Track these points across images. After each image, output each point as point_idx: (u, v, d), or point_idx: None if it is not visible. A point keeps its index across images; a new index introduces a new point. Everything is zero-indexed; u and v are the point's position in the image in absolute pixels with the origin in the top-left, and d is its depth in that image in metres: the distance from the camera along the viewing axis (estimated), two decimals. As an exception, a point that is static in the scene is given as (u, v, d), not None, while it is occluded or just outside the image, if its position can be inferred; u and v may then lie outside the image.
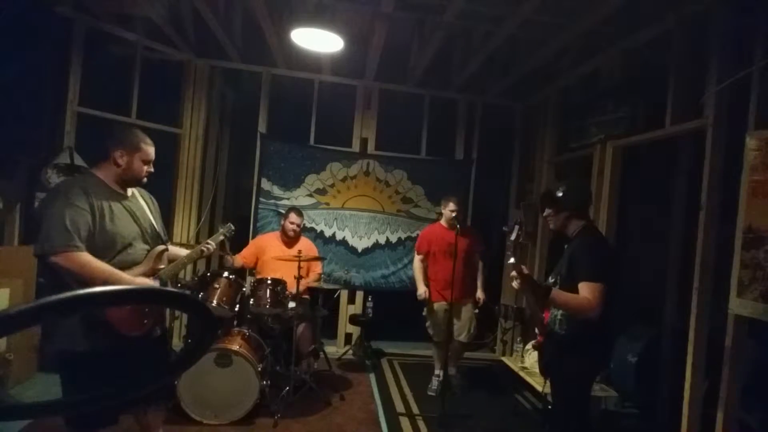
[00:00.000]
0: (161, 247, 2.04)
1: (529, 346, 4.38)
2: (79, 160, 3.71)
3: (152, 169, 2.04)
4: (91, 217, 1.81)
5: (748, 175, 2.37)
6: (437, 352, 4.00)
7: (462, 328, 3.88)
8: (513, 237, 2.16)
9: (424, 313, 4.03)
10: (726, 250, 2.50)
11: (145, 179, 2.03)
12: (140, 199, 2.08)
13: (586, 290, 2.02)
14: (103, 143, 1.97)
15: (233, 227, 2.55)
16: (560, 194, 2.28)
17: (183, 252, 2.28)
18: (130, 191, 2.03)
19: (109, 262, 1.83)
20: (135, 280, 1.90)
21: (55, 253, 1.71)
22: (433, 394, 3.86)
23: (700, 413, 2.67)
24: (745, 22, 2.56)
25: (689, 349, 2.69)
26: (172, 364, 0.63)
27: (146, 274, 1.96)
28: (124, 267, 1.88)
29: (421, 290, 3.93)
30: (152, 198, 2.20)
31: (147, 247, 2.00)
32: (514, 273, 2.01)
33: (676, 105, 2.99)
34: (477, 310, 4.01)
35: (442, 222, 4.02)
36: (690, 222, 3.21)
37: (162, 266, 2.04)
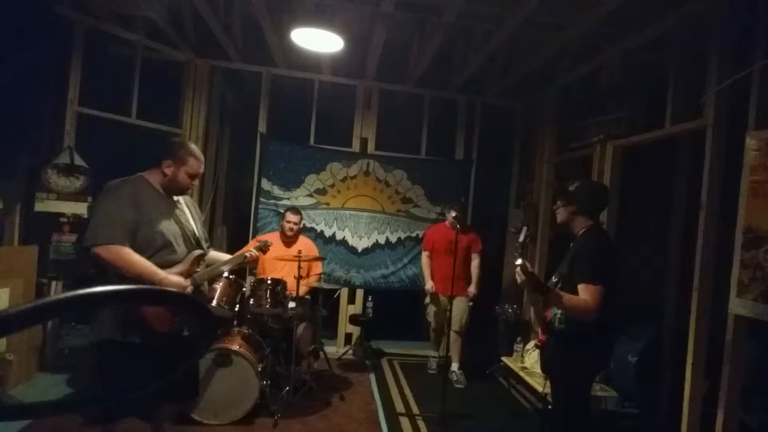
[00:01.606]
0: (198, 251, 2.15)
1: (529, 345, 4.38)
2: (79, 160, 3.71)
3: (197, 183, 2.19)
4: (135, 214, 1.93)
5: (748, 175, 2.37)
6: (434, 337, 4.48)
7: (455, 319, 4.14)
8: (521, 239, 2.17)
9: (426, 301, 4.42)
10: (726, 250, 2.50)
11: (189, 190, 2.18)
12: (184, 205, 2.21)
13: (584, 292, 2.02)
14: (159, 151, 2.10)
15: (270, 242, 2.74)
16: (572, 188, 2.28)
17: (224, 257, 2.41)
18: (176, 197, 2.17)
19: (149, 258, 1.94)
20: (169, 277, 1.98)
21: (97, 245, 1.86)
22: (433, 372, 4.38)
23: (700, 413, 2.67)
24: (745, 22, 2.56)
25: (689, 349, 2.69)
26: (172, 364, 0.63)
27: (183, 275, 2.05)
28: (163, 265, 1.98)
29: (428, 285, 4.36)
30: (195, 205, 2.33)
31: (186, 249, 2.10)
32: (519, 270, 2.02)
33: (676, 105, 2.99)
34: (471, 303, 4.35)
35: (446, 223, 4.38)
36: (690, 222, 3.21)
37: (198, 269, 2.15)
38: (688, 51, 2.97)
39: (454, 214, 4.12)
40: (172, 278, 1.99)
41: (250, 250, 2.56)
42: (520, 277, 2.02)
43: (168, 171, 2.05)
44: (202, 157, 2.15)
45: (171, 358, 2.04)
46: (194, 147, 2.15)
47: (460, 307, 4.22)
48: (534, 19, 3.35)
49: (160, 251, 1.99)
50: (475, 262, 4.38)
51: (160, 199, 2.06)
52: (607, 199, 2.46)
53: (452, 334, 4.13)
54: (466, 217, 4.99)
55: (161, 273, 1.94)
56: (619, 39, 3.47)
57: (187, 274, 2.07)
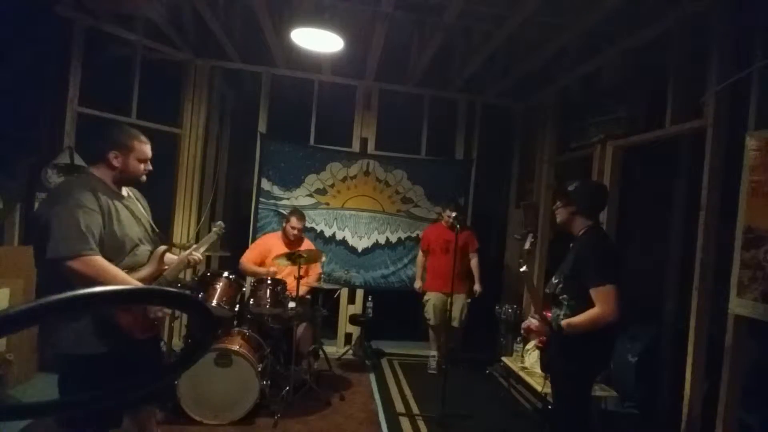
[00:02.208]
0: (163, 248, 2.00)
1: (529, 345, 4.38)
2: (79, 160, 3.71)
3: (150, 167, 1.98)
4: (101, 218, 1.77)
5: (748, 175, 2.37)
6: (433, 335, 4.54)
7: (455, 315, 4.24)
8: (527, 246, 2.17)
9: (426, 299, 4.47)
10: (726, 250, 2.50)
11: (144, 178, 1.98)
12: (134, 199, 2.04)
13: (597, 297, 2.02)
14: (98, 144, 1.92)
15: (224, 224, 2.50)
16: (571, 188, 2.29)
17: (173, 256, 2.19)
18: (125, 191, 1.99)
19: (118, 264, 1.80)
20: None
21: (72, 258, 1.65)
22: (433, 372, 4.35)
23: (700, 413, 2.67)
24: (745, 22, 2.56)
25: (689, 349, 2.69)
26: (172, 365, 0.63)
27: (153, 275, 1.92)
28: (132, 269, 1.86)
29: (417, 284, 4.59)
30: (143, 196, 2.15)
31: (150, 248, 1.98)
32: (531, 328, 2.14)
33: (676, 105, 2.99)
34: (470, 300, 4.49)
35: (443, 222, 4.46)
36: (690, 222, 3.21)
37: (166, 267, 2.01)
38: (688, 51, 2.97)
39: (453, 214, 4.18)
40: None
41: (194, 253, 2.19)
42: (536, 330, 2.07)
43: (117, 162, 1.87)
44: (147, 139, 1.97)
45: (150, 360, 1.97)
46: (135, 130, 1.98)
47: (458, 305, 4.32)
48: (534, 19, 3.35)
49: (128, 255, 1.86)
50: (473, 261, 4.48)
51: (116, 197, 1.88)
52: (606, 199, 2.45)
53: (452, 331, 4.28)
54: (465, 217, 5.00)
55: (134, 283, 1.81)
56: (619, 39, 3.47)
57: (157, 274, 1.93)
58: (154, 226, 2.08)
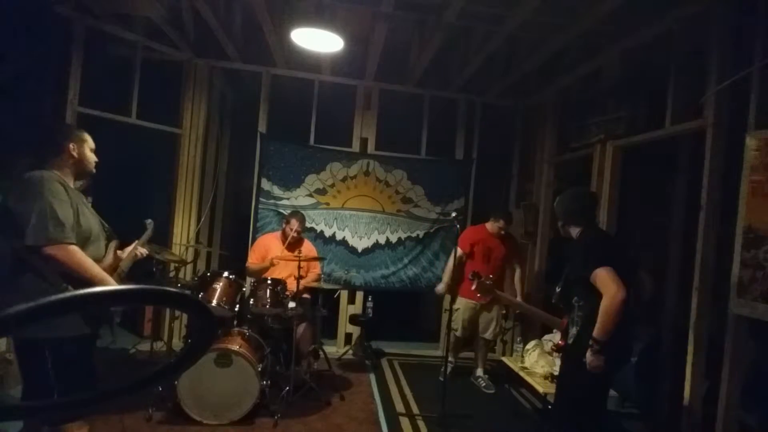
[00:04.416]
0: (115, 242, 2.12)
1: (529, 345, 4.38)
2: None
3: (96, 158, 2.09)
4: (72, 211, 1.84)
5: (748, 175, 2.37)
6: (455, 343, 4.19)
7: (488, 326, 4.14)
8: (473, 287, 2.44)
9: (456, 307, 4.15)
10: (726, 250, 2.50)
11: (94, 170, 2.07)
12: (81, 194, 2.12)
13: (596, 283, 2.04)
14: (55, 140, 1.98)
15: (152, 222, 2.52)
16: (555, 204, 2.38)
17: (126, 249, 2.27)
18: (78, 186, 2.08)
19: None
20: (111, 280, 1.93)
21: (50, 245, 1.72)
22: (442, 378, 3.94)
23: (700, 413, 2.67)
24: (745, 22, 2.56)
25: (689, 349, 2.69)
26: (172, 365, 0.63)
27: (112, 267, 2.03)
28: (95, 259, 1.92)
29: (441, 288, 4.20)
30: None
31: (105, 241, 2.07)
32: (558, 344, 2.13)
33: (676, 105, 2.99)
34: (504, 311, 4.29)
35: (488, 227, 4.17)
36: (690, 222, 3.21)
37: (121, 260, 2.12)
38: (688, 51, 2.97)
39: (501, 224, 4.05)
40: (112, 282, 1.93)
41: (139, 248, 2.27)
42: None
43: (75, 153, 1.96)
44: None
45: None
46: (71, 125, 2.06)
47: (493, 315, 4.16)
48: (534, 19, 3.35)
49: (91, 245, 1.93)
50: (517, 273, 4.27)
51: (76, 192, 1.97)
52: (588, 202, 2.39)
53: (481, 341, 4.21)
54: (466, 215, 5.02)
55: (109, 278, 1.90)
56: (619, 39, 3.47)
57: (114, 267, 2.05)
58: (104, 222, 2.15)
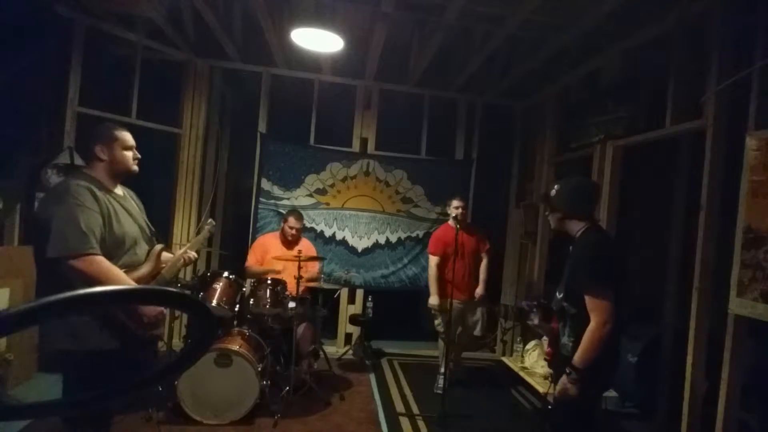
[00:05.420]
0: (160, 246, 2.02)
1: (529, 345, 4.39)
2: (79, 160, 3.71)
3: (139, 155, 2.00)
4: (101, 218, 1.78)
5: (748, 175, 2.37)
6: (443, 348, 3.90)
7: (476, 324, 4.08)
8: (536, 322, 2.15)
9: (435, 307, 3.94)
10: (726, 250, 2.50)
11: (135, 168, 1.98)
12: (128, 197, 2.05)
13: (590, 305, 1.91)
14: (86, 144, 1.95)
15: (215, 222, 2.50)
16: (553, 193, 2.14)
17: (169, 254, 2.19)
18: (120, 190, 2.00)
19: (117, 263, 1.81)
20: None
21: (74, 257, 1.66)
22: (439, 392, 3.77)
23: (700, 413, 2.67)
24: (745, 22, 2.56)
25: (689, 349, 2.69)
26: (172, 365, 0.63)
27: (151, 274, 1.93)
28: (130, 267, 1.87)
29: (433, 300, 3.90)
30: (137, 196, 2.16)
31: (146, 246, 1.99)
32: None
33: (676, 105, 2.99)
34: (485, 308, 4.17)
35: (450, 222, 4.02)
36: (690, 222, 3.21)
37: (163, 266, 2.02)
38: (688, 51, 2.97)
39: (455, 203, 3.87)
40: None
41: (188, 251, 2.17)
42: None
43: (103, 155, 1.89)
44: (124, 128, 1.99)
45: (152, 362, 1.95)
46: (114, 123, 2.01)
47: (479, 313, 4.09)
48: (534, 19, 3.35)
49: (127, 253, 1.87)
50: (484, 262, 4.10)
51: (113, 196, 1.90)
52: (593, 194, 2.26)
53: (464, 338, 4.14)
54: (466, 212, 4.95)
55: (134, 285, 1.78)
56: (619, 39, 3.47)
57: (156, 272, 1.96)
58: (150, 225, 2.09)
